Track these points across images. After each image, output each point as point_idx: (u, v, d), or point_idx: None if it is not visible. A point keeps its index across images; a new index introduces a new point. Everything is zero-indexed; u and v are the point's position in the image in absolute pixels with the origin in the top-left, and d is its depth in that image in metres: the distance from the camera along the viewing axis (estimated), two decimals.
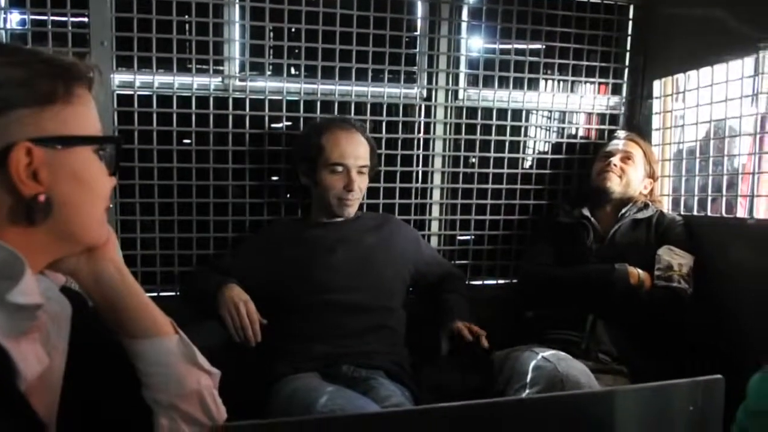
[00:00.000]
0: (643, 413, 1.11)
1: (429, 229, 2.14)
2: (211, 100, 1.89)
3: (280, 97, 1.94)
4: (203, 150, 1.89)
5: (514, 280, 2.10)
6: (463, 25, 2.10)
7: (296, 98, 1.96)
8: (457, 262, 2.11)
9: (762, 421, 0.57)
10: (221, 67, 1.91)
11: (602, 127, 2.24)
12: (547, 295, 1.83)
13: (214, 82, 1.90)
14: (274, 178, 1.98)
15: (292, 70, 1.98)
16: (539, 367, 1.43)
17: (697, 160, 1.99)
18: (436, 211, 2.15)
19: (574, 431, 1.07)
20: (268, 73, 1.95)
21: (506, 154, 2.16)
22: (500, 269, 2.16)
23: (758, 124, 1.80)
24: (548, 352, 1.49)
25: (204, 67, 1.90)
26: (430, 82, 2.10)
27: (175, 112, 1.85)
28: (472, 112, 2.14)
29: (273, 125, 1.98)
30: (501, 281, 2.13)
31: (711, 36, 1.89)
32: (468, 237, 2.18)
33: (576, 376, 1.38)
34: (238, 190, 1.94)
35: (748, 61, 1.80)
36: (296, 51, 1.96)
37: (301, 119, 1.96)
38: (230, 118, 1.90)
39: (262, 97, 1.92)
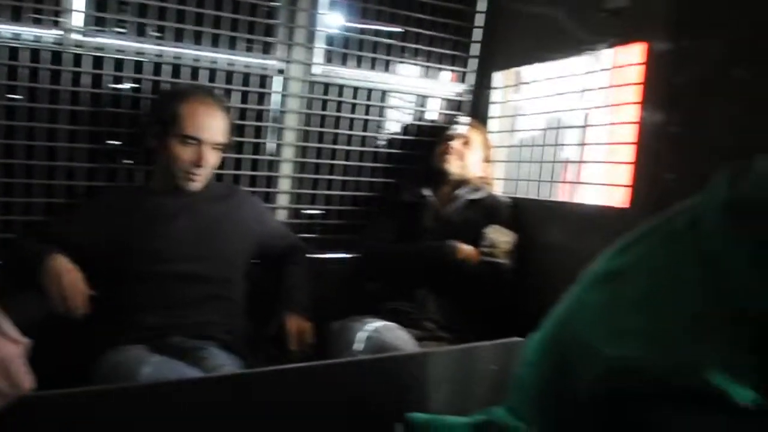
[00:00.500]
0: (451, 372, 1.25)
1: (277, 202, 2.16)
2: (46, 54, 1.76)
3: (125, 57, 1.85)
4: (34, 108, 1.76)
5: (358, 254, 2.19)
6: (324, 1, 2.12)
7: (144, 59, 1.88)
8: (305, 235, 2.15)
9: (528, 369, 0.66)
10: (60, 19, 1.78)
11: (450, 112, 2.37)
12: (385, 269, 1.94)
13: (51, 34, 1.77)
14: (114, 142, 1.89)
15: (144, 31, 1.89)
16: (368, 338, 1.53)
17: (530, 148, 2.18)
18: (286, 184, 2.17)
19: (389, 389, 1.18)
20: (116, 29, 1.84)
21: (358, 132, 2.23)
22: (346, 244, 2.23)
23: (585, 118, 2.01)
24: (378, 324, 1.59)
25: (41, 17, 1.76)
26: (287, 54, 2.10)
27: (2, 64, 1.71)
28: (327, 88, 2.18)
29: (115, 86, 1.88)
30: (347, 255, 2.21)
31: (549, 34, 2.05)
32: (316, 211, 2.23)
33: (401, 346, 1.49)
34: (72, 153, 1.83)
35: (581, 60, 2.00)
36: (147, 9, 1.87)
37: (149, 82, 1.89)
38: (66, 75, 1.78)
39: (104, 54, 1.82)
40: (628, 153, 1.70)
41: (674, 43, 1.60)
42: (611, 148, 1.86)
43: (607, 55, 1.89)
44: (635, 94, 1.71)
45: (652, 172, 1.62)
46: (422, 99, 2.37)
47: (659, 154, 1.61)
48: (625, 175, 1.71)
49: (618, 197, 1.75)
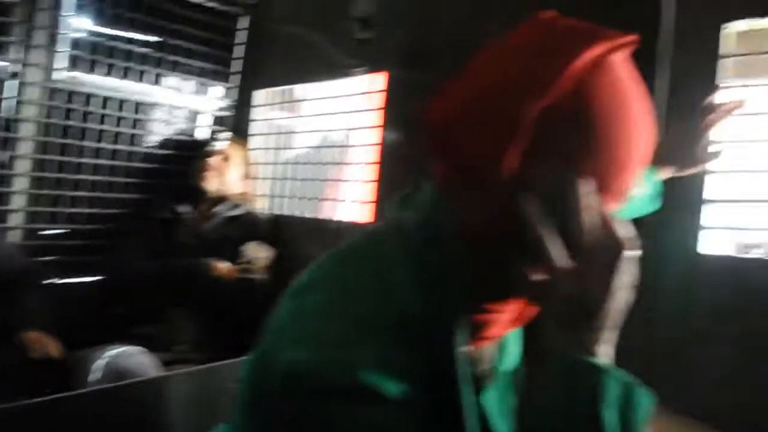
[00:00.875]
0: (194, 394, 1.22)
1: (9, 221, 1.92)
2: None
3: None
4: None
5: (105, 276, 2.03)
6: (70, 2, 1.95)
7: None
8: (44, 258, 1.94)
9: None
10: None
11: (211, 127, 2.33)
12: (135, 290, 1.83)
13: None
14: None
15: None
16: (106, 365, 1.44)
17: (294, 166, 2.24)
18: (20, 201, 1.94)
19: (127, 418, 1.12)
20: None
21: (107, 145, 2.08)
22: (92, 265, 2.04)
23: (341, 139, 2.12)
24: (118, 350, 1.50)
25: None
26: (24, 57, 1.89)
27: None
28: (71, 96, 2.01)
29: None
30: (92, 278, 2.03)
31: (309, 57, 2.12)
32: (58, 231, 2.03)
33: (142, 371, 1.43)
34: None
35: (340, 84, 2.11)
36: None
37: None
38: None
39: None
40: (373, 172, 1.84)
41: (405, 73, 1.78)
42: (363, 167, 2.00)
43: (360, 81, 2.02)
44: (379, 117, 1.85)
45: (391, 189, 1.76)
46: (181, 113, 2.30)
47: (396, 173, 1.76)
48: (371, 192, 1.84)
49: (367, 213, 1.87)
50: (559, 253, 0.55)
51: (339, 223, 2.00)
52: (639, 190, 0.60)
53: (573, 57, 0.53)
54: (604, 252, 0.55)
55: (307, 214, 2.14)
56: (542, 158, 0.54)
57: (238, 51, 2.35)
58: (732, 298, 1.11)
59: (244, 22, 2.34)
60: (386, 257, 0.62)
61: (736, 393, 1.11)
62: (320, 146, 2.24)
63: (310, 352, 0.55)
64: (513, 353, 0.73)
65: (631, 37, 0.56)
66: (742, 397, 1.10)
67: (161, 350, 1.65)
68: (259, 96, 2.33)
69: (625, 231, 0.56)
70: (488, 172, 0.55)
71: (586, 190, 0.54)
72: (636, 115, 0.57)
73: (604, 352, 0.56)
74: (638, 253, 0.57)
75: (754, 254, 1.33)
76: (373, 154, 1.84)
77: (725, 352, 1.12)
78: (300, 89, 2.27)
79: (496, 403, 0.67)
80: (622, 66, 0.57)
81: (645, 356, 1.17)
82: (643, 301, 1.14)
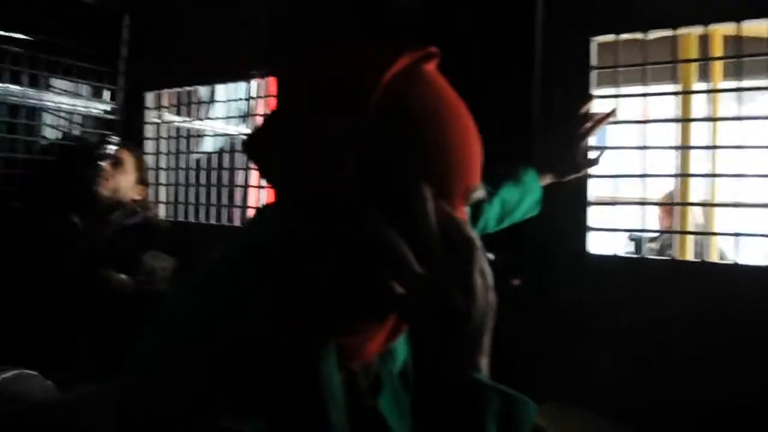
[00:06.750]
0: None
1: None
2: None
3: None
4: None
5: None
6: None
7: None
8: None
9: None
10: None
11: (98, 131, 2.22)
12: (24, 308, 1.70)
13: None
14: None
15: None
16: None
17: (193, 171, 2.16)
18: None
19: None
20: None
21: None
22: None
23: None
24: (9, 374, 1.40)
25: None
26: None
27: None
28: None
29: None
30: None
31: (206, 58, 2.03)
32: None
33: (34, 395, 1.34)
34: None
35: (243, 85, 2.04)
36: None
37: None
38: None
39: None
40: None
41: None
42: None
43: (261, 84, 1.97)
44: None
45: None
46: (69, 115, 2.17)
47: None
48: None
49: None
50: (412, 261, 0.53)
51: (238, 228, 1.96)
52: (480, 192, 0.60)
53: (385, 67, 0.53)
54: (459, 254, 0.54)
55: (212, 221, 2.07)
56: (377, 169, 0.53)
57: (127, 51, 2.24)
58: (619, 295, 1.17)
59: (128, 20, 2.23)
60: (239, 280, 0.57)
61: (622, 383, 1.17)
62: (224, 150, 2.18)
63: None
64: (402, 351, 0.70)
65: (434, 49, 0.57)
66: (627, 383, 1.17)
67: (57, 370, 1.54)
68: (151, 97, 2.22)
69: (473, 233, 0.55)
70: (326, 191, 0.53)
71: (427, 195, 0.53)
72: (459, 118, 0.57)
73: (484, 363, 0.55)
74: (490, 255, 0.57)
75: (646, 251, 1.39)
76: None
77: (612, 345, 1.18)
78: (204, 91, 2.18)
79: (392, 407, 0.66)
80: (434, 75, 0.58)
81: (536, 351, 1.23)
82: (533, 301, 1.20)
